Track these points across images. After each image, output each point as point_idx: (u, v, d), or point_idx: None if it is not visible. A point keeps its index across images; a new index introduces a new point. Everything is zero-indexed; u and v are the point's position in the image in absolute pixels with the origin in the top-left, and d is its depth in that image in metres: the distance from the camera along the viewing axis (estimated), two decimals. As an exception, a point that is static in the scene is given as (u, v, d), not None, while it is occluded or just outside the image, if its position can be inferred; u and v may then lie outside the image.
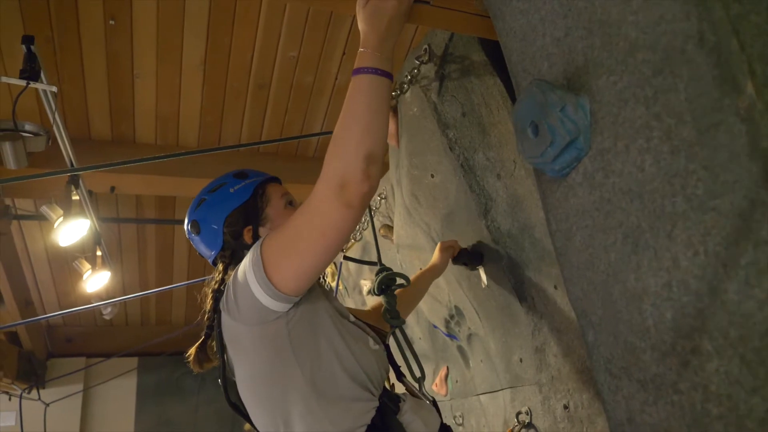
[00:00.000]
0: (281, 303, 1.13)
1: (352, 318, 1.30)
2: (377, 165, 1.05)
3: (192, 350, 1.29)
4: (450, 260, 1.94)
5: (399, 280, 1.57)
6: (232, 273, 1.22)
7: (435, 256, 1.91)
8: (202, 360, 1.29)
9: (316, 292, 1.24)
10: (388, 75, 1.10)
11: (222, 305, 1.21)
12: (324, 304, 1.23)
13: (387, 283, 1.55)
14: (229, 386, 1.25)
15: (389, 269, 1.59)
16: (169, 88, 3.14)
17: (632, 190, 0.82)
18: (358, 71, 1.09)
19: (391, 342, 1.46)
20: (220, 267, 1.32)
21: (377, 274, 1.57)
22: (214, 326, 1.25)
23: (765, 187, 0.65)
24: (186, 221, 1.38)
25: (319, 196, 1.06)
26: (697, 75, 0.72)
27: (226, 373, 1.25)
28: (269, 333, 1.15)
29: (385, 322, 1.51)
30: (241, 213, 1.32)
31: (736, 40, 0.68)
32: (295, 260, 1.10)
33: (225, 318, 1.20)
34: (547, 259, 1.71)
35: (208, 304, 1.28)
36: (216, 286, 1.27)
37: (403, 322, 1.50)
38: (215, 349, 1.26)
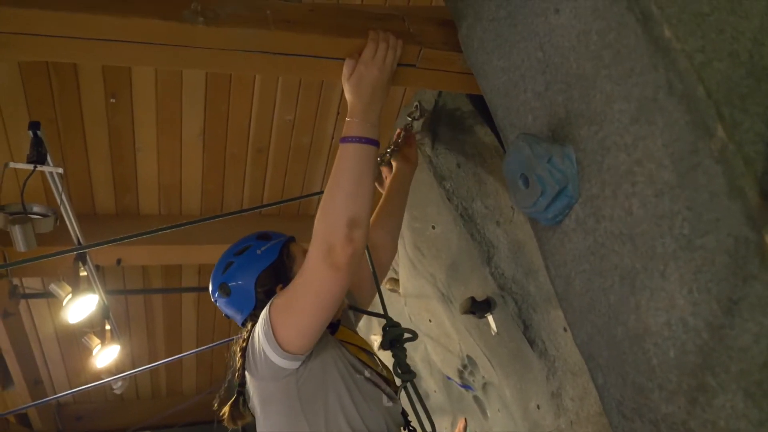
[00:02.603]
0: (289, 361, 1.19)
1: (367, 374, 1.33)
2: (361, 229, 1.13)
3: (226, 408, 1.34)
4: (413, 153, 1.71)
5: (406, 335, 1.58)
6: None
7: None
8: (236, 417, 1.33)
9: (329, 349, 1.29)
10: (373, 142, 1.17)
11: (247, 362, 1.28)
12: (337, 362, 1.28)
13: (395, 337, 1.56)
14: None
15: (397, 324, 1.60)
16: (170, 159, 3.22)
17: (623, 233, 0.85)
18: (344, 140, 1.17)
19: (403, 396, 1.46)
20: (249, 326, 1.35)
21: (384, 328, 1.59)
22: (245, 383, 1.31)
23: (747, 223, 0.67)
24: (212, 285, 1.42)
25: (311, 259, 1.15)
26: (670, 121, 0.76)
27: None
28: (281, 389, 1.23)
29: (396, 376, 1.51)
30: (271, 272, 1.36)
31: (702, 87, 0.73)
32: (295, 319, 1.18)
33: (248, 374, 1.28)
34: (553, 301, 1.72)
35: (238, 361, 1.32)
36: (244, 345, 1.31)
37: (414, 375, 1.50)
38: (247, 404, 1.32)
